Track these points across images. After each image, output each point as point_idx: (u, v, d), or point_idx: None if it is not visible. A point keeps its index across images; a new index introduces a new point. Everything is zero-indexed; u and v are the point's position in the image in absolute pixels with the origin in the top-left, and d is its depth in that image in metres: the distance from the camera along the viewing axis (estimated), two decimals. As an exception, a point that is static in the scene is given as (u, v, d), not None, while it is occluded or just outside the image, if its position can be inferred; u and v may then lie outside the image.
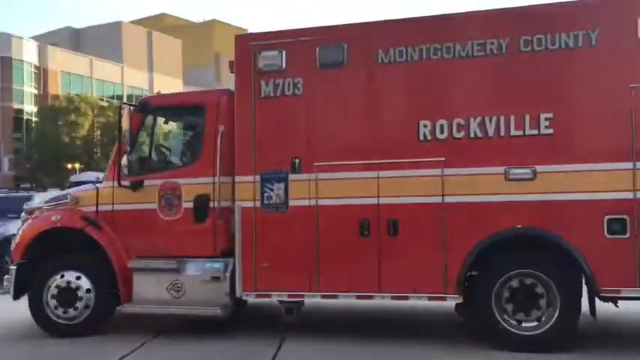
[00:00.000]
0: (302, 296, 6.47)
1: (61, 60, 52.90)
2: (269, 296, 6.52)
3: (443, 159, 6.11)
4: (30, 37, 52.76)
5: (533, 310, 6.04)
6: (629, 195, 5.72)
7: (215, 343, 6.59)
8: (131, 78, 58.38)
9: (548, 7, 6.09)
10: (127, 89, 57.07)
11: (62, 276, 6.94)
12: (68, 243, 7.12)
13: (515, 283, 6.07)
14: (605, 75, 5.86)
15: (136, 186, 6.94)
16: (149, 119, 7.20)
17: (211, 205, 6.67)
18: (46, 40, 54.95)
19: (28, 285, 7.07)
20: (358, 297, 6.38)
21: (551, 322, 5.95)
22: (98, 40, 58.34)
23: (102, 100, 48.51)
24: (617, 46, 5.85)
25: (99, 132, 44.95)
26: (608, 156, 5.79)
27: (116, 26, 61.47)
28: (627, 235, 5.71)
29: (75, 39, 61.37)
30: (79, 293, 6.90)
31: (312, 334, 6.79)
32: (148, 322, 7.20)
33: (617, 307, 6.33)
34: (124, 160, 6.76)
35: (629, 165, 5.73)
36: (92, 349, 6.51)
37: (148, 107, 7.18)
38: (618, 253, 5.73)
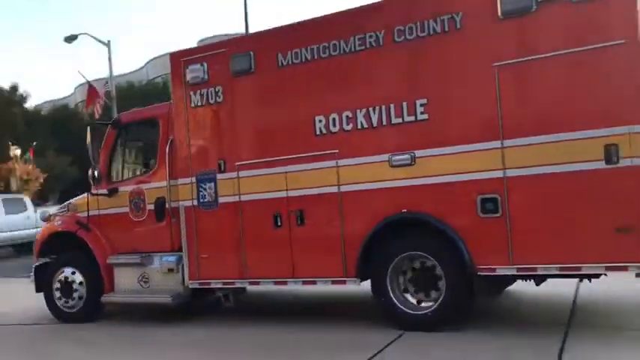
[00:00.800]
0: (233, 283, 7.37)
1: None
2: (209, 284, 7.49)
3: (336, 151, 6.66)
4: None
5: (432, 291, 6.42)
6: (499, 174, 5.90)
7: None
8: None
9: None
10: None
11: (62, 272, 8.47)
12: (71, 243, 8.63)
13: (417, 264, 6.48)
14: (471, 57, 6.06)
15: (112, 193, 8.26)
16: (122, 134, 8.47)
17: (167, 206, 7.78)
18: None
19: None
20: (275, 283, 7.15)
21: (438, 302, 6.30)
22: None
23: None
24: (480, 27, 6.03)
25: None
26: (477, 136, 5.99)
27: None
28: (499, 214, 5.90)
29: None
30: (74, 286, 8.37)
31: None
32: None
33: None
34: (91, 172, 8.10)
35: (497, 144, 5.90)
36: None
37: (119, 124, 8.46)
38: (492, 232, 5.94)
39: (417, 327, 6.32)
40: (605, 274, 5.82)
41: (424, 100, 6.24)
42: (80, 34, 28.29)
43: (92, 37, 28.21)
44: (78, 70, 54.15)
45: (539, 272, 5.88)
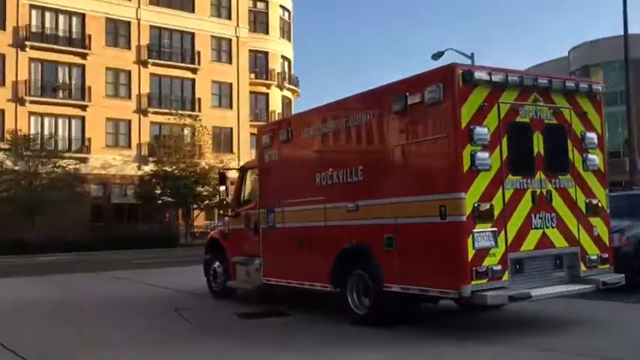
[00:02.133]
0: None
1: None
2: (270, 281, 11.63)
3: (324, 197, 10.31)
4: None
5: (366, 299, 9.58)
6: (393, 221, 9.04)
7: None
8: None
9: (358, 97, 9.76)
10: None
11: (214, 264, 13.43)
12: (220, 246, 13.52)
13: (362, 279, 9.75)
14: (382, 139, 9.28)
15: (236, 215, 12.92)
16: (244, 176, 13.06)
17: (260, 226, 12.11)
18: None
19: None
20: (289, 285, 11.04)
21: (368, 307, 9.57)
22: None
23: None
24: (383, 119, 9.21)
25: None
26: (386, 194, 9.12)
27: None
28: (394, 249, 9.04)
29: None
30: (218, 274, 13.25)
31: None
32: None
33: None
34: (225, 202, 12.85)
35: (395, 200, 9.00)
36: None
37: (243, 169, 13.07)
38: (392, 261, 9.06)
39: (358, 323, 9.66)
40: (456, 298, 8.51)
41: (361, 167, 9.61)
42: (446, 49, 32.16)
43: (456, 51, 31.92)
44: None
45: (411, 291, 8.84)
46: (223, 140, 53.25)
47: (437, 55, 32.26)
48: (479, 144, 8.19)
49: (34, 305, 13.26)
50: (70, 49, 46.47)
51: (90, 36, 47.26)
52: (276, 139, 11.46)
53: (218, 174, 13.00)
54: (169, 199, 44.37)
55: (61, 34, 46.85)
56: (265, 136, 11.76)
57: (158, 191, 44.32)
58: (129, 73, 49.15)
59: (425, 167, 8.63)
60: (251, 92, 56.20)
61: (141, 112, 49.10)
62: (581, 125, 9.30)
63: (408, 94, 8.76)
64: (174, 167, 43.97)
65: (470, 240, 8.03)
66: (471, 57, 31.72)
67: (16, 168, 39.91)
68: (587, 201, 9.21)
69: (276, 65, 59.82)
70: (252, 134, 54.17)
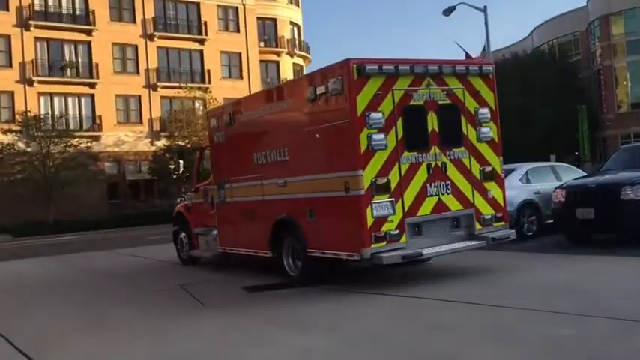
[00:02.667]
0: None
1: None
2: (225, 249, 13.20)
3: (261, 175, 11.79)
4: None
5: (298, 262, 11.11)
6: (311, 195, 10.49)
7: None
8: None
9: (282, 86, 11.22)
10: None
11: (180, 234, 15.08)
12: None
13: (294, 245, 11.23)
14: (300, 124, 10.69)
15: (196, 190, 14.50)
16: (201, 154, 14.61)
17: (215, 200, 13.65)
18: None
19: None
20: (240, 254, 12.60)
21: (300, 268, 11.09)
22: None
23: None
24: (300, 106, 10.63)
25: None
26: (307, 171, 10.56)
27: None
28: (315, 219, 10.49)
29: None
30: (184, 244, 14.92)
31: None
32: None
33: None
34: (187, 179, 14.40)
35: (313, 177, 10.46)
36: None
37: (200, 148, 14.61)
38: (313, 230, 10.54)
39: (294, 282, 11.16)
40: (359, 259, 9.97)
41: (286, 149, 11.06)
42: (458, 3, 32.17)
43: (469, 5, 32.04)
44: (455, 42, 60.74)
45: (327, 255, 10.32)
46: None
47: (448, 11, 32.65)
48: (374, 127, 9.58)
49: (46, 282, 14.76)
50: (74, 26, 47.89)
51: (94, 11, 48.55)
52: (221, 123, 12.94)
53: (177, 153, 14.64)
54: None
55: (64, 11, 48.26)
56: (213, 120, 13.36)
57: (172, 166, 45.75)
58: (135, 47, 50.50)
59: (332, 149, 10.05)
60: (261, 61, 57.30)
61: (150, 86, 50.57)
62: (475, 102, 10.61)
63: (316, 85, 10.14)
64: (186, 141, 45.04)
65: (369, 210, 9.49)
66: (484, 10, 31.85)
67: (29, 149, 41.64)
68: (481, 169, 10.57)
69: (285, 32, 60.76)
70: (263, 104, 55.87)
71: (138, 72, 50.48)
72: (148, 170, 48.07)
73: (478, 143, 10.63)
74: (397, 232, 9.65)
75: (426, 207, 10.02)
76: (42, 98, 46.73)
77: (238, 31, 55.48)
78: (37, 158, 41.54)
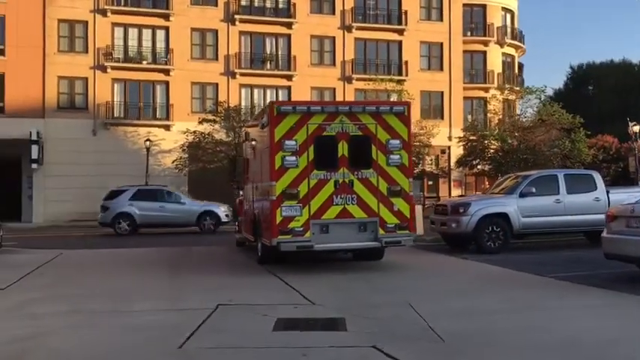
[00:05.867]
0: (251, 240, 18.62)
1: None
2: (243, 235, 18.94)
3: (253, 180, 17.37)
4: None
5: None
6: (264, 197, 15.86)
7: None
8: None
9: (258, 114, 16.73)
10: None
11: (237, 222, 21.24)
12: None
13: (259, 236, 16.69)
14: (260, 143, 16.12)
15: (241, 189, 20.40)
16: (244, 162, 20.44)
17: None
18: None
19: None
20: (249, 241, 18.23)
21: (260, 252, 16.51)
22: None
23: None
24: (259, 130, 16.06)
25: None
26: (262, 179, 16.00)
27: None
28: (262, 216, 15.87)
29: None
30: (236, 228, 21.04)
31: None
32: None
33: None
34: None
35: (263, 184, 15.83)
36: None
37: (244, 156, 20.42)
38: (262, 224, 15.92)
39: (260, 262, 16.58)
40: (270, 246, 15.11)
41: (260, 161, 16.59)
42: None
43: None
44: None
45: (264, 243, 15.63)
46: (433, 105, 58.77)
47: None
48: (288, 151, 14.79)
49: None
50: (276, 19, 55.60)
51: (295, 4, 55.81)
52: (246, 138, 18.83)
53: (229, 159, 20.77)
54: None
55: (268, 5, 56.11)
56: (244, 134, 19.25)
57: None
58: (333, 39, 56.94)
59: (266, 165, 15.36)
60: (465, 51, 60.29)
61: (345, 79, 56.63)
62: (387, 135, 15.18)
63: (263, 116, 15.52)
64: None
65: (279, 211, 14.77)
66: None
67: (228, 139, 47.73)
68: (388, 187, 15.13)
69: (495, 19, 62.95)
70: (465, 98, 59.35)
71: (334, 64, 56.75)
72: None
73: (388, 167, 15.18)
74: (302, 229, 14.73)
75: (331, 213, 14.92)
76: (243, 90, 54.85)
77: (441, 19, 59.16)
78: (235, 148, 46.42)
